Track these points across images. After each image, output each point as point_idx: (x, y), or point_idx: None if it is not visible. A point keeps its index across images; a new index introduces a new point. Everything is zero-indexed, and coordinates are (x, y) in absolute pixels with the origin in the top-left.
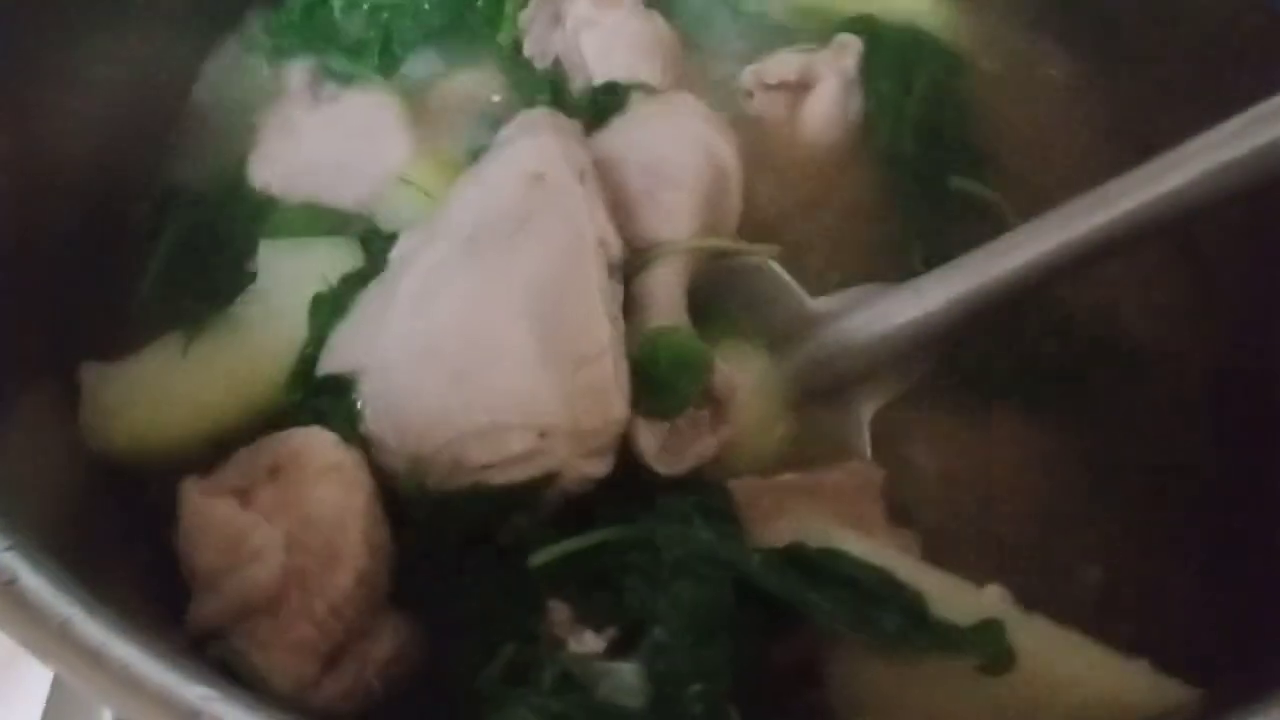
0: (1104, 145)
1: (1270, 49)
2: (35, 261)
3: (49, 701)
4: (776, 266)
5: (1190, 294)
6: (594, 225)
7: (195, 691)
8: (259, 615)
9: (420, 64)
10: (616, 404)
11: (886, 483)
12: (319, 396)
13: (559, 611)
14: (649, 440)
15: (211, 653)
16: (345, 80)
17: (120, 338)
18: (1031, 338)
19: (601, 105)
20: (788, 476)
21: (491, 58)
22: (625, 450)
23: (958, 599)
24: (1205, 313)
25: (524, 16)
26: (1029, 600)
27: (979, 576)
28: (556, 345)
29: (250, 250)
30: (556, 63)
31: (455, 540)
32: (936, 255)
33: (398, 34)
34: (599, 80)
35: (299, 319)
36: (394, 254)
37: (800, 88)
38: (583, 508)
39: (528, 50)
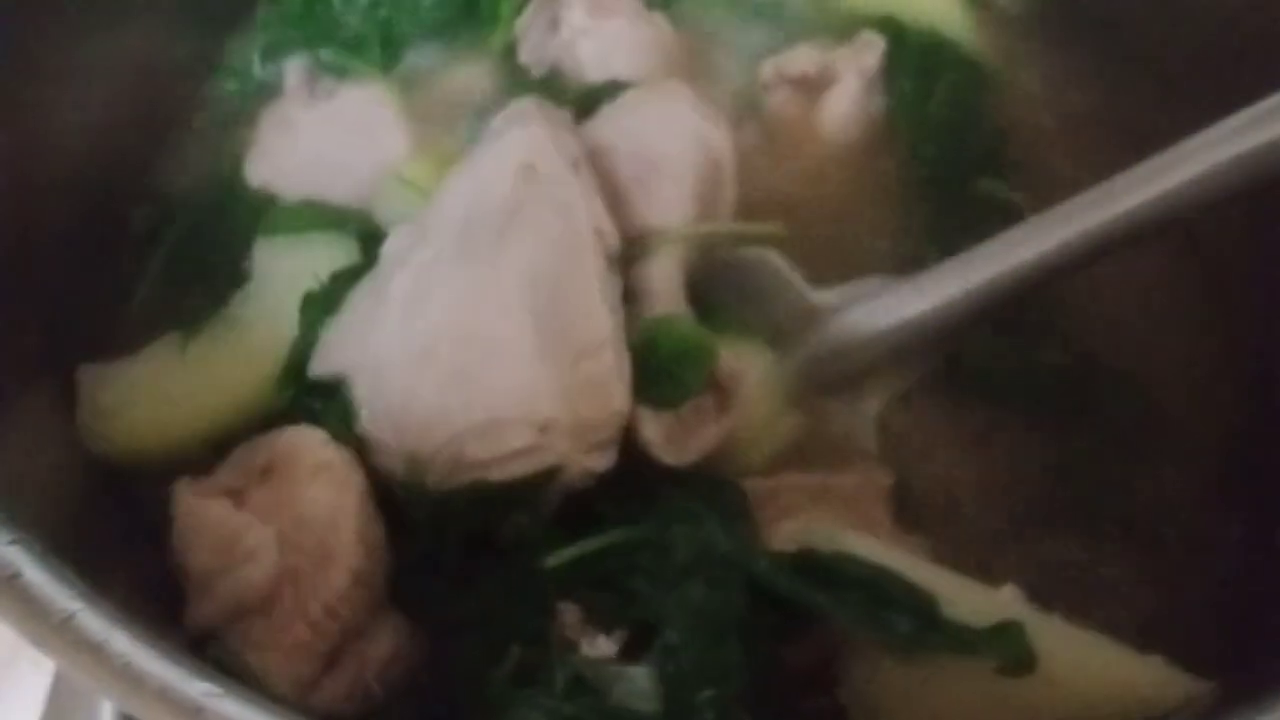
0: (1122, 150)
1: None
2: (34, 262)
3: (49, 702)
4: (778, 258)
5: (1192, 295)
6: (590, 215)
7: (198, 687)
8: (254, 616)
9: (419, 59)
10: (618, 395)
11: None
12: (311, 396)
13: (569, 614)
14: (654, 430)
15: (210, 654)
16: (342, 75)
17: (118, 338)
18: (1032, 342)
19: (595, 98)
20: (796, 478)
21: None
22: (628, 443)
23: (973, 600)
24: (1207, 313)
25: (520, 24)
26: (1036, 601)
27: (986, 578)
28: (555, 338)
29: (248, 249)
30: (553, 70)
31: (455, 540)
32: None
33: (397, 29)
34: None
35: (295, 317)
36: (385, 250)
37: (820, 84)
38: (583, 504)
39: (523, 57)
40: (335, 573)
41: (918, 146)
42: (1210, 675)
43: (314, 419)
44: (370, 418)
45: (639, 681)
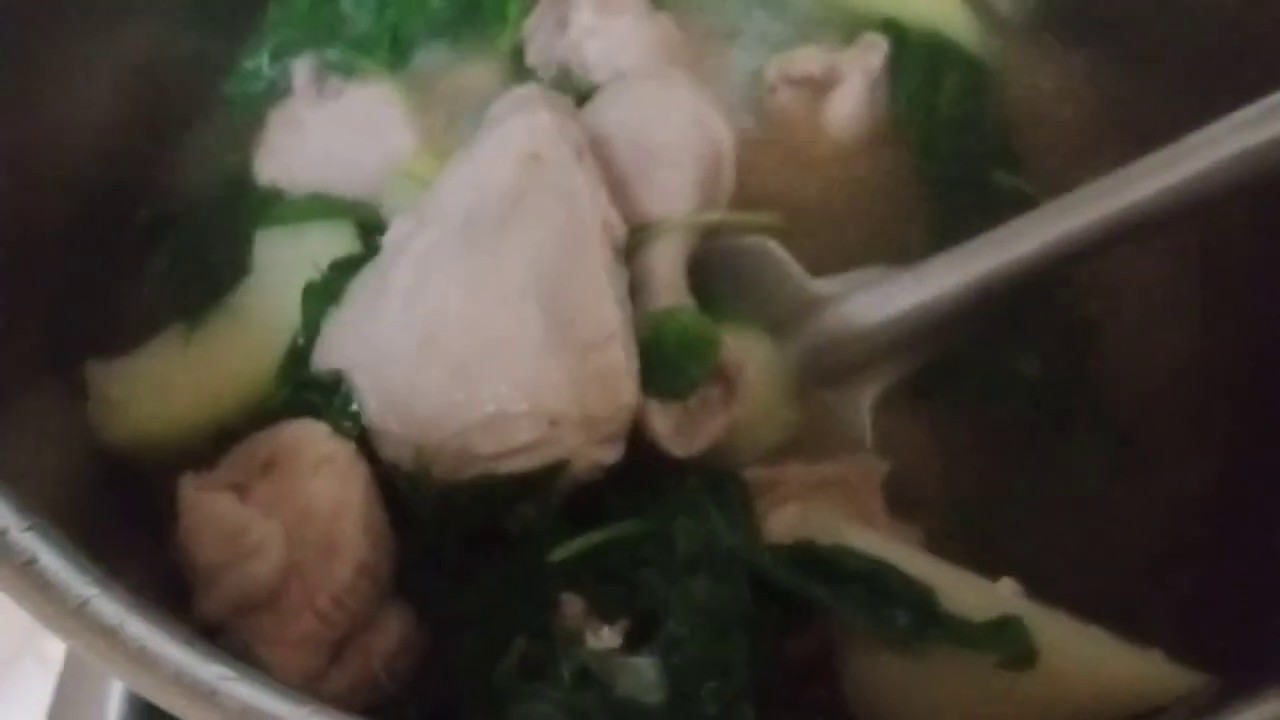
0: (1123, 150)
1: None
2: (41, 258)
3: (56, 694)
4: (776, 247)
5: (1191, 294)
6: (597, 206)
7: (212, 670)
8: (261, 610)
9: (427, 59)
10: (627, 389)
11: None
12: (312, 390)
13: (572, 604)
14: (663, 423)
15: (218, 646)
16: (350, 74)
17: (127, 334)
18: (1028, 338)
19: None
20: (793, 468)
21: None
22: (633, 434)
23: (972, 593)
24: (1207, 313)
25: (528, 25)
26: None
27: (979, 569)
28: (562, 330)
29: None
30: (560, 71)
31: (460, 532)
32: None
33: (405, 29)
34: None
35: (295, 305)
36: (386, 239)
37: (824, 84)
38: (586, 494)
39: (531, 59)
40: (341, 565)
41: (930, 143)
42: (1209, 673)
43: (316, 412)
44: (377, 410)
45: (645, 674)
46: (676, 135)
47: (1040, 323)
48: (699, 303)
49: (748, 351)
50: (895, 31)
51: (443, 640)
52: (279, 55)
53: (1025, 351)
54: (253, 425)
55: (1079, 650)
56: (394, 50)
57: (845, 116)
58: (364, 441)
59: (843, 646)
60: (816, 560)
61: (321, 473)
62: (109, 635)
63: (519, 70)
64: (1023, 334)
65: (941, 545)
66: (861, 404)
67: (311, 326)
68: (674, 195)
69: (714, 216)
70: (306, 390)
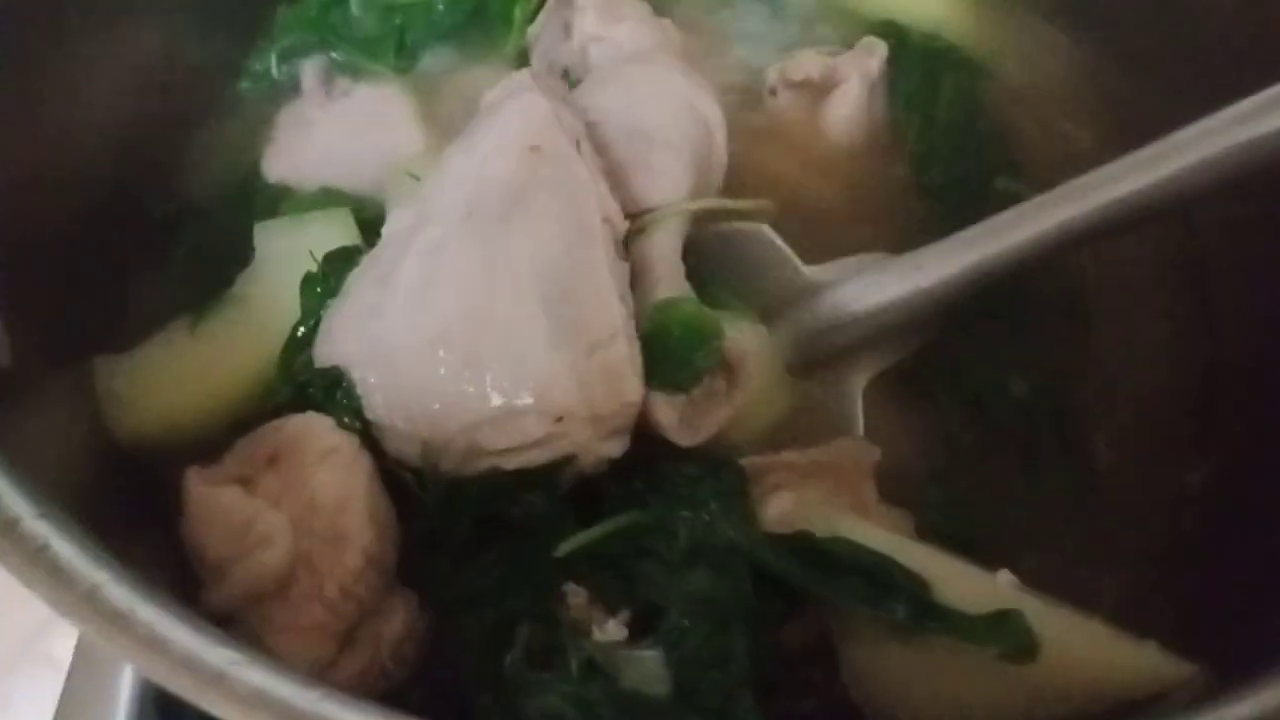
0: (1123, 150)
1: None
2: (53, 253)
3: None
4: (770, 232)
5: (1185, 294)
6: (598, 201)
7: (222, 654)
8: (271, 600)
9: (434, 60)
10: (632, 385)
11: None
12: (315, 384)
13: (576, 595)
14: (669, 414)
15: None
16: (358, 75)
17: (135, 329)
18: (1026, 333)
19: None
20: (786, 454)
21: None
22: (637, 425)
23: (969, 585)
24: (1206, 313)
25: (532, 30)
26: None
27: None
28: (568, 327)
29: None
30: (565, 75)
31: (465, 524)
32: None
33: (411, 34)
34: None
35: (295, 295)
36: (385, 230)
37: (824, 88)
38: (589, 483)
39: (535, 64)
40: (348, 554)
41: (930, 147)
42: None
43: (318, 407)
44: (383, 405)
45: (651, 665)
46: (669, 116)
47: (1040, 320)
48: (695, 288)
49: (748, 338)
50: (895, 33)
51: (445, 624)
52: (288, 57)
53: (1022, 347)
54: (259, 417)
55: (1075, 641)
56: (401, 53)
57: (844, 119)
58: (367, 434)
59: (842, 635)
60: (815, 552)
61: (327, 464)
62: (119, 620)
63: None
64: (1021, 330)
65: (931, 539)
66: (854, 390)
67: (310, 317)
68: (671, 180)
69: (711, 203)
70: (309, 386)
